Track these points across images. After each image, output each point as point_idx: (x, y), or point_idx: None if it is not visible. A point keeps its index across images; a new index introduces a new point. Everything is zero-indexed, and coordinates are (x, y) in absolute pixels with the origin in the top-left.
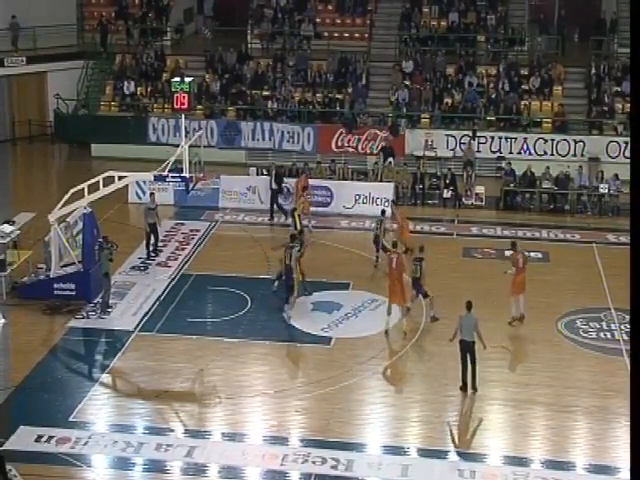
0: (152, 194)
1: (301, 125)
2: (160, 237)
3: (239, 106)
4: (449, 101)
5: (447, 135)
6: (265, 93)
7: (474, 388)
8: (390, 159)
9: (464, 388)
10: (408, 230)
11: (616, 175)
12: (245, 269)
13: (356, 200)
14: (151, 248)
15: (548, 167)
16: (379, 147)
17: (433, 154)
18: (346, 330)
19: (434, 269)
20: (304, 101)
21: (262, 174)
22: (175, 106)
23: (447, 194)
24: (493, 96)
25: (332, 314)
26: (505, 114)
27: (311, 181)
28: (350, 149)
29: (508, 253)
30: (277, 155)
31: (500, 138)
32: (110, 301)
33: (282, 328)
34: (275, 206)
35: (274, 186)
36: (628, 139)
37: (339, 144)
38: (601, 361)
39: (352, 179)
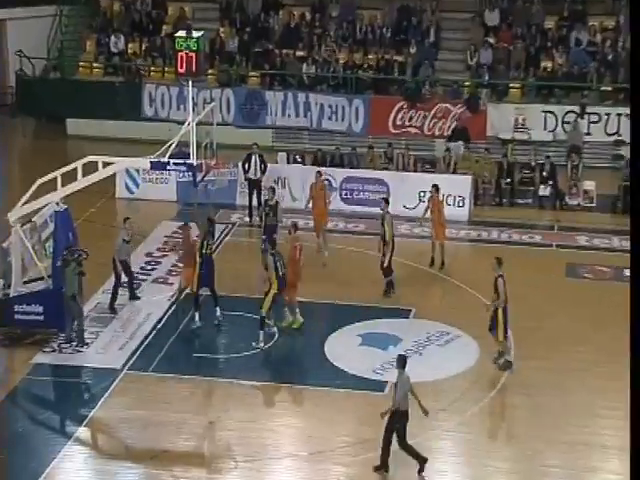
0: (127, 219)
1: (347, 97)
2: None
3: (264, 71)
4: (548, 65)
5: (545, 112)
6: (299, 53)
7: (386, 468)
8: (462, 144)
9: (384, 468)
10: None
11: None
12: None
13: (420, 198)
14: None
15: None
16: (451, 127)
17: (525, 137)
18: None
19: (526, 292)
20: (351, 64)
21: (296, 162)
22: (179, 70)
23: (544, 191)
24: (609, 58)
25: (387, 350)
26: (626, 83)
27: (361, 172)
28: (413, 130)
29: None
30: (315, 136)
31: (619, 115)
32: (86, 328)
33: (320, 368)
34: (255, 201)
35: (257, 175)
36: None
37: (398, 123)
38: None
39: (415, 170)
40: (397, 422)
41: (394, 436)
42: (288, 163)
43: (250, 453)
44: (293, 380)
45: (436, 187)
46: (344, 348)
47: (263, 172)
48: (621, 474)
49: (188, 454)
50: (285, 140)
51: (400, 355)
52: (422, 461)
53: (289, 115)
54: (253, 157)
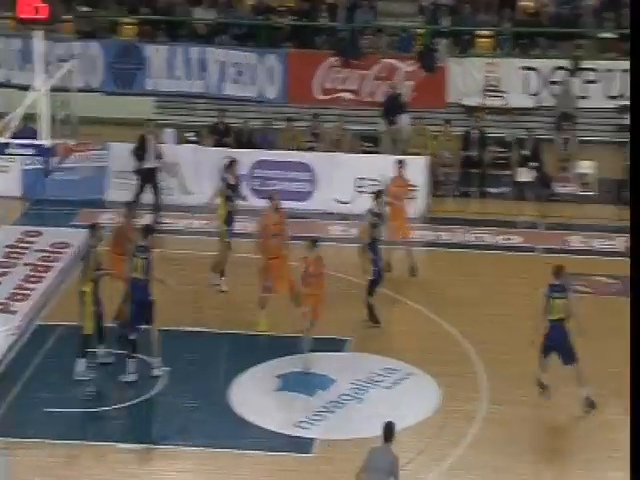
0: None
1: (258, 51)
2: None
3: (143, 16)
4: (529, 5)
5: (524, 68)
6: None
7: None
8: (398, 118)
9: None
10: None
11: None
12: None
13: (357, 188)
14: None
15: None
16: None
17: (499, 103)
18: (341, 426)
19: (499, 312)
20: (263, 8)
21: (189, 141)
22: (21, 14)
23: (525, 176)
24: None
25: (315, 396)
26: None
27: (278, 154)
28: (347, 95)
29: None
30: (214, 106)
31: (625, 72)
32: None
33: (223, 422)
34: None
35: (154, 163)
36: None
37: (327, 86)
38: None
39: (351, 150)
40: None
41: None
42: (178, 143)
43: None
44: (184, 440)
45: (401, 162)
46: (256, 394)
47: (159, 157)
48: None
49: None
50: (173, 111)
51: (388, 423)
52: None
53: (178, 77)
54: (146, 139)
